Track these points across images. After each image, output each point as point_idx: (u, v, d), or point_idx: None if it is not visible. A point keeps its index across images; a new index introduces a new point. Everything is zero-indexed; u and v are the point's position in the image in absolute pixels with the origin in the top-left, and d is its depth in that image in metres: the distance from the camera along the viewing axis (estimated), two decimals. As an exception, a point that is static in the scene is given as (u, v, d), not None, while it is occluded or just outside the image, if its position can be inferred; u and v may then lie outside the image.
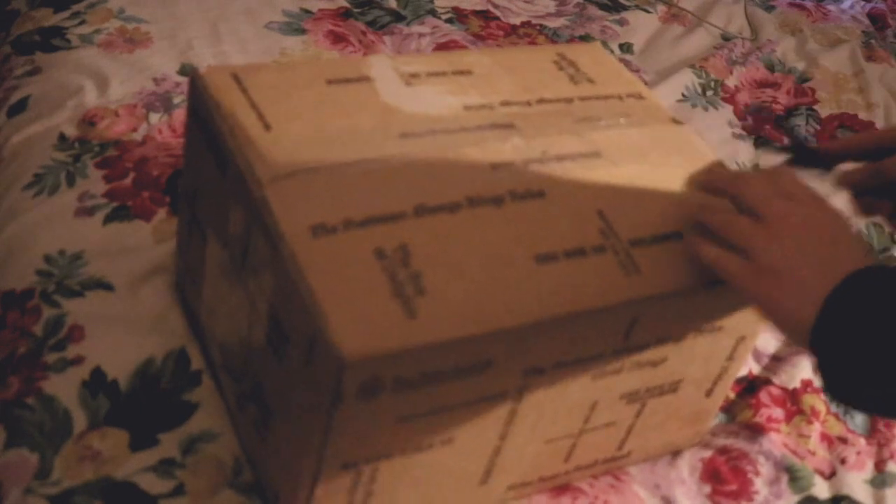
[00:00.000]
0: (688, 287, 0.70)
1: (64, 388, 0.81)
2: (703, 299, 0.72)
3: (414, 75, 0.81)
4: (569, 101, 0.82)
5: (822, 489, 0.88)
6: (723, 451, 0.89)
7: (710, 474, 0.86)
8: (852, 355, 0.60)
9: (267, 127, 0.71)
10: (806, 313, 0.61)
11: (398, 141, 0.73)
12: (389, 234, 0.65)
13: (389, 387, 0.61)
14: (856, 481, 0.89)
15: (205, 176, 0.76)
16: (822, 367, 0.62)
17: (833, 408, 0.95)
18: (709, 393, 0.83)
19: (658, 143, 0.80)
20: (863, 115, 1.40)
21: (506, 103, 0.80)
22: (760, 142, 1.31)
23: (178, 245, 0.89)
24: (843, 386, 0.61)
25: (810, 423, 0.92)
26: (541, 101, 0.81)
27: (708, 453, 0.88)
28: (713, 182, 0.74)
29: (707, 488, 0.85)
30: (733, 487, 0.86)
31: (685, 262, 0.70)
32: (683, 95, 1.36)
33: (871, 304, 0.60)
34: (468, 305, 0.62)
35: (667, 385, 0.78)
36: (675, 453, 0.88)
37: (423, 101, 0.78)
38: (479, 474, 0.75)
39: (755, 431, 0.91)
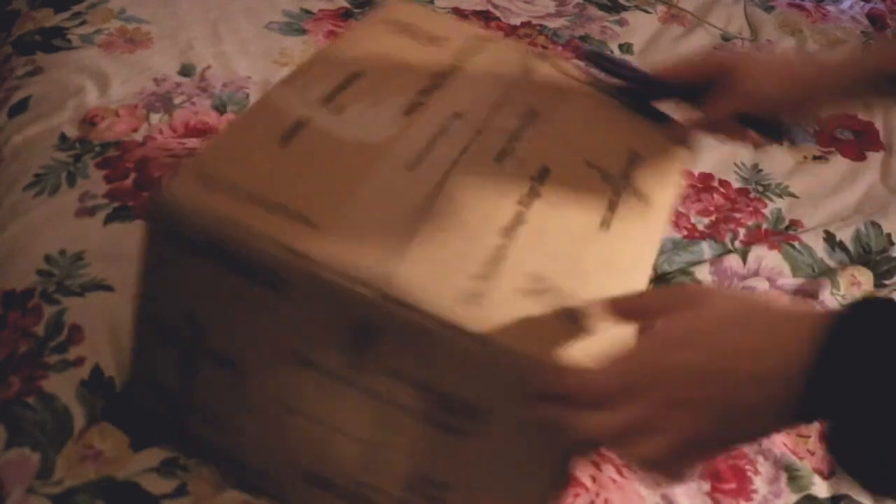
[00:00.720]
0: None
1: (64, 386, 0.81)
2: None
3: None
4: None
5: (821, 489, 0.88)
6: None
7: (710, 472, 0.87)
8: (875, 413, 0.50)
9: (307, 222, 0.64)
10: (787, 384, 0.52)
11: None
12: None
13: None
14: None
15: (221, 300, 0.67)
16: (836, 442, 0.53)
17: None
18: None
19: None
20: (862, 116, 1.41)
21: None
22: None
23: (142, 377, 0.77)
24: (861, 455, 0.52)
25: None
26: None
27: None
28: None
29: (706, 486, 0.86)
30: (732, 486, 0.86)
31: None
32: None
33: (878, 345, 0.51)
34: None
35: None
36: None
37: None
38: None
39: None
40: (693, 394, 0.55)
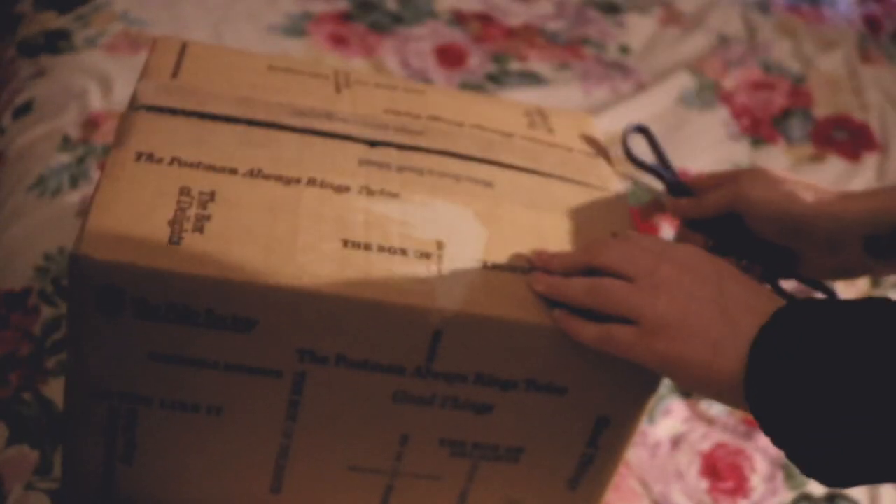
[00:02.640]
0: (505, 316, 0.63)
1: (62, 392, 0.81)
2: (524, 338, 0.64)
3: (357, 82, 0.81)
4: (509, 135, 0.79)
5: (817, 486, 0.88)
6: (721, 445, 0.90)
7: (708, 470, 0.88)
8: (799, 401, 0.53)
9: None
10: (728, 364, 0.56)
11: (290, 115, 0.73)
12: (208, 180, 0.65)
13: (131, 307, 0.59)
14: (850, 478, 0.90)
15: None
16: (765, 421, 0.55)
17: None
18: (573, 484, 0.72)
19: (569, 200, 0.75)
20: (858, 117, 1.42)
21: (434, 118, 0.78)
22: (757, 143, 1.33)
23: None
24: (794, 438, 0.54)
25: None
26: (477, 125, 0.79)
27: (706, 446, 0.89)
28: (566, 259, 0.66)
29: (704, 484, 0.87)
30: (730, 484, 0.87)
31: (524, 296, 0.64)
32: (680, 97, 1.38)
33: (814, 341, 0.53)
34: (236, 254, 0.60)
35: (502, 449, 0.70)
36: (675, 444, 0.89)
37: (344, 100, 0.78)
38: (266, 476, 0.70)
39: (752, 428, 0.92)
40: (660, 295, 0.59)
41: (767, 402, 0.54)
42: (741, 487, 0.87)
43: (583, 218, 0.73)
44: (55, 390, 0.81)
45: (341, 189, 0.68)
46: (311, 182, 0.68)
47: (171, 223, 0.61)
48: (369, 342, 0.63)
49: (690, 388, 0.61)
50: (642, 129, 0.86)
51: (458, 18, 1.46)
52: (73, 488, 0.70)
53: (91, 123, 1.10)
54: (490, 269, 0.66)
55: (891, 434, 0.50)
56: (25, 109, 1.13)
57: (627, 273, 0.61)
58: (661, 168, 0.84)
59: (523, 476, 0.71)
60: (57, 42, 1.23)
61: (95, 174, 1.03)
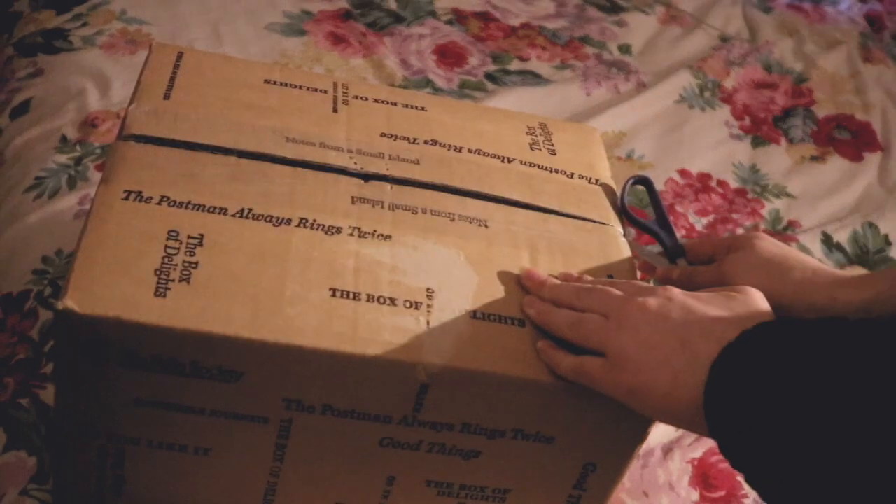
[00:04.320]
0: (491, 370, 0.63)
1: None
2: (511, 391, 0.64)
3: (356, 97, 0.81)
4: (508, 160, 0.79)
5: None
6: (713, 451, 0.89)
7: (700, 479, 0.87)
8: (755, 423, 0.53)
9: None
10: (687, 392, 0.56)
11: (283, 144, 0.73)
12: (197, 222, 0.64)
13: (116, 357, 0.60)
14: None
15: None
16: (723, 443, 0.55)
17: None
18: None
19: (566, 238, 0.74)
20: (860, 116, 1.41)
21: (432, 141, 0.78)
22: (758, 142, 1.32)
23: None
24: (752, 461, 0.54)
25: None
26: (476, 150, 0.79)
27: (698, 453, 0.89)
28: (554, 291, 0.67)
29: (695, 495, 0.86)
30: (722, 493, 0.86)
31: (512, 348, 0.64)
32: (681, 96, 1.37)
33: (770, 362, 0.54)
34: (223, 307, 0.60)
35: (489, 490, 0.70)
36: (666, 452, 0.88)
37: (341, 122, 0.78)
38: None
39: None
40: (630, 331, 0.61)
41: (725, 424, 0.55)
42: (733, 496, 0.86)
43: (580, 259, 0.73)
44: (52, 397, 0.81)
45: (332, 231, 0.67)
46: (303, 223, 0.67)
47: (158, 272, 0.61)
48: (356, 394, 0.63)
49: (654, 417, 0.62)
50: (643, 181, 0.85)
51: (459, 17, 1.45)
52: None
53: (89, 123, 1.09)
54: (479, 319, 0.65)
55: (847, 456, 0.49)
56: (23, 109, 1.13)
57: (602, 311, 0.63)
58: (658, 227, 0.83)
59: None
60: (54, 41, 1.23)
61: (94, 175, 1.03)
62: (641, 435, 0.68)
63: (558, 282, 0.68)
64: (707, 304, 0.60)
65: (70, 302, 0.58)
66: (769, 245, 0.77)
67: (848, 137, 1.37)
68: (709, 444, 0.90)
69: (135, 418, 0.63)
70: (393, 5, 1.44)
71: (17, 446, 0.78)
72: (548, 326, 0.66)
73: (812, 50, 1.54)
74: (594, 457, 0.68)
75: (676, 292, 0.62)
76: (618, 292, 0.64)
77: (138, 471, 0.67)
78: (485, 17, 1.47)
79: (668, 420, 0.61)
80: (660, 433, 0.90)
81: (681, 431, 0.90)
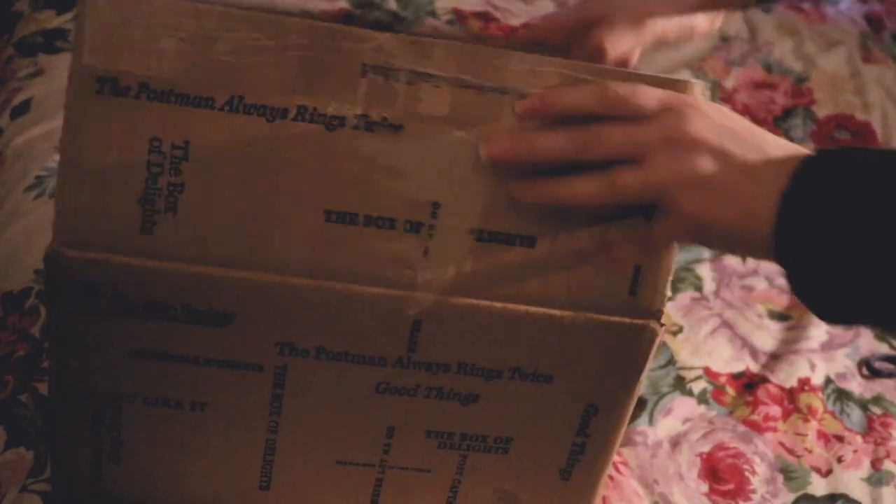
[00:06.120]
0: (484, 305, 0.61)
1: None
2: (505, 325, 0.62)
3: None
4: None
5: (818, 487, 0.88)
6: (721, 447, 0.89)
7: (708, 472, 0.87)
8: (831, 253, 0.51)
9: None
10: (758, 216, 0.53)
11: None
12: (181, 123, 0.57)
13: (108, 304, 0.59)
14: (852, 479, 0.89)
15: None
16: (794, 279, 0.54)
17: (830, 406, 0.96)
18: (565, 475, 0.71)
19: None
20: (860, 116, 1.41)
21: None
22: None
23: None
24: (826, 296, 0.53)
25: (807, 421, 0.93)
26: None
27: (707, 447, 0.89)
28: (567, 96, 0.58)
29: (704, 486, 0.86)
30: (731, 486, 0.87)
31: (512, 275, 0.62)
32: (682, 96, 1.37)
33: (845, 188, 0.52)
34: (210, 240, 0.59)
35: (491, 439, 0.69)
36: (674, 444, 0.88)
37: None
38: (255, 473, 0.69)
39: (752, 429, 0.91)
40: (695, 151, 0.55)
41: (797, 257, 0.53)
42: (742, 490, 0.86)
43: None
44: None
45: (334, 123, 0.59)
46: (301, 114, 0.58)
47: (143, 201, 0.58)
48: (348, 333, 0.62)
49: (715, 248, 0.60)
50: None
51: (459, 18, 1.45)
52: (63, 489, 0.70)
53: (89, 123, 1.09)
54: (484, 241, 0.62)
55: None
56: (23, 109, 1.12)
57: (642, 112, 0.56)
58: None
59: (514, 467, 0.70)
60: (55, 41, 1.23)
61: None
62: (640, 370, 0.66)
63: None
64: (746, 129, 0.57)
65: (60, 244, 0.57)
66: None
67: (848, 137, 1.37)
68: (717, 439, 0.90)
69: (129, 372, 0.63)
70: (393, 5, 1.44)
71: (16, 443, 0.78)
72: (535, 153, 0.57)
73: (812, 50, 1.54)
74: (594, 397, 0.67)
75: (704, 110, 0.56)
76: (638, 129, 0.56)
77: (136, 433, 0.66)
78: (485, 17, 1.47)
79: (734, 251, 0.58)
80: (667, 427, 0.90)
81: (687, 425, 0.91)
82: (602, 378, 0.66)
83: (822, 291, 0.53)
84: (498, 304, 0.61)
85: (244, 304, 0.60)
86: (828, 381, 0.98)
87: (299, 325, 0.61)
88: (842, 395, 0.97)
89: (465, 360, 0.64)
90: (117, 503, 0.70)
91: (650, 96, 0.57)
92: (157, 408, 0.65)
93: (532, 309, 0.62)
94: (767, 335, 1.01)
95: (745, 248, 0.58)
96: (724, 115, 0.57)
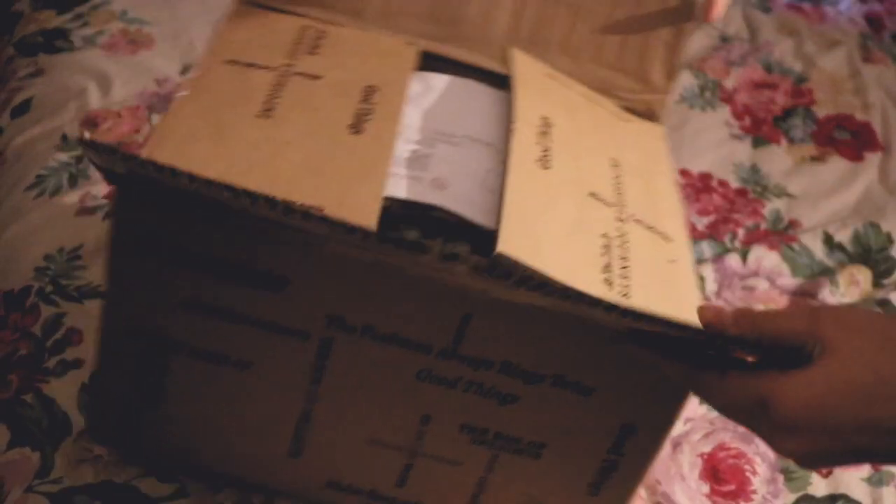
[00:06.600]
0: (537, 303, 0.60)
1: (63, 391, 0.82)
2: (553, 328, 0.61)
3: None
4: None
5: (819, 487, 0.88)
6: (722, 447, 0.89)
7: (709, 473, 0.87)
8: None
9: None
10: None
11: None
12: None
13: (168, 251, 0.60)
14: (853, 479, 0.90)
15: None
16: None
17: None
18: (594, 489, 0.71)
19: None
20: (860, 116, 1.41)
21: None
22: (759, 142, 1.32)
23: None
24: None
25: (808, 421, 0.93)
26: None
27: (708, 448, 0.89)
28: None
29: (706, 488, 0.86)
30: (732, 487, 0.87)
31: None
32: (681, 96, 1.37)
33: None
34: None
35: (524, 442, 0.69)
36: (675, 445, 0.88)
37: None
38: (287, 438, 0.70)
39: (753, 430, 0.92)
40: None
41: None
42: (743, 490, 0.86)
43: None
44: (56, 390, 0.81)
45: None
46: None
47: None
48: (398, 315, 0.62)
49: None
50: None
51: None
52: (100, 428, 0.72)
53: (90, 122, 1.09)
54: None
55: None
56: (24, 109, 1.13)
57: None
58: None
59: (544, 473, 0.70)
60: (55, 41, 1.23)
61: (94, 173, 1.02)
62: (682, 394, 0.66)
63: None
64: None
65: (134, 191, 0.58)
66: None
67: (848, 137, 1.37)
68: (718, 439, 0.90)
69: (180, 321, 0.63)
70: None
71: (21, 443, 0.78)
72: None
73: (812, 50, 1.54)
74: (633, 417, 0.67)
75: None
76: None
77: (178, 384, 0.67)
78: (485, 17, 1.47)
79: None
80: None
81: (688, 426, 0.90)
82: (644, 399, 0.66)
83: None
84: (549, 308, 0.60)
85: (300, 269, 0.60)
86: (828, 381, 0.98)
87: (352, 299, 0.61)
88: (842, 396, 0.97)
89: (509, 360, 0.64)
90: (154, 447, 0.72)
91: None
92: (202, 361, 0.65)
93: (586, 317, 0.59)
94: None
95: None
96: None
